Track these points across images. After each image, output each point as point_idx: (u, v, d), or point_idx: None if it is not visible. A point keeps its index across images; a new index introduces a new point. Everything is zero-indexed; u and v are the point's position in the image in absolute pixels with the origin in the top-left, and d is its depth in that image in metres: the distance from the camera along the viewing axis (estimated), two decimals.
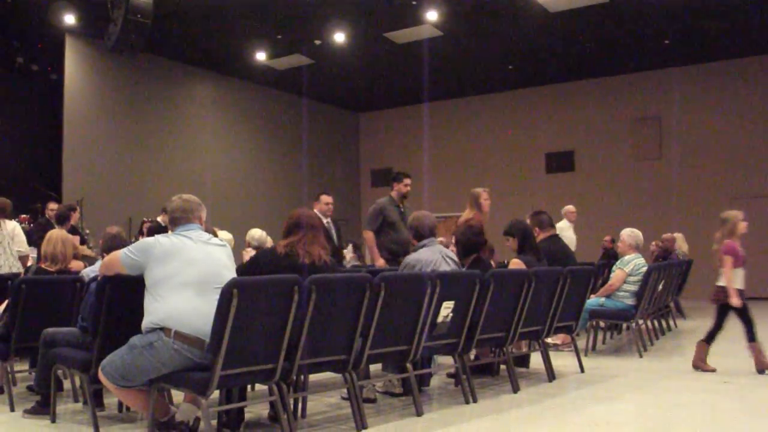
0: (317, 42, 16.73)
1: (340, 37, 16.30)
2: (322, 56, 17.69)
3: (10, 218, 8.64)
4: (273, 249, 5.09)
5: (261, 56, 17.71)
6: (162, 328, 4.26)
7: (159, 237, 4.59)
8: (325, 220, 9.60)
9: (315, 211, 9.22)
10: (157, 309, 4.31)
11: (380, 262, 8.74)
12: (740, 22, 15.54)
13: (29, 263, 9.17)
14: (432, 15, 14.97)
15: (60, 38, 15.62)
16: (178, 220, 4.76)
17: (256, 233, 9.12)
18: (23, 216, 13.45)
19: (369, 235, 8.99)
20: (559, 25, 15.58)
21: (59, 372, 5.33)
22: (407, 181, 9.22)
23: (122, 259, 4.57)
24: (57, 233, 6.52)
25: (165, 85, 18.07)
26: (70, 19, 14.84)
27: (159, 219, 12.21)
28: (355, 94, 22.07)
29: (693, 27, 15.84)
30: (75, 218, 11.15)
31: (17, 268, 8.36)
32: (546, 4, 14.33)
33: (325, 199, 9.98)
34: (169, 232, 4.81)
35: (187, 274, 4.38)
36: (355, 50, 17.20)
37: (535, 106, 21.16)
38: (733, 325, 6.85)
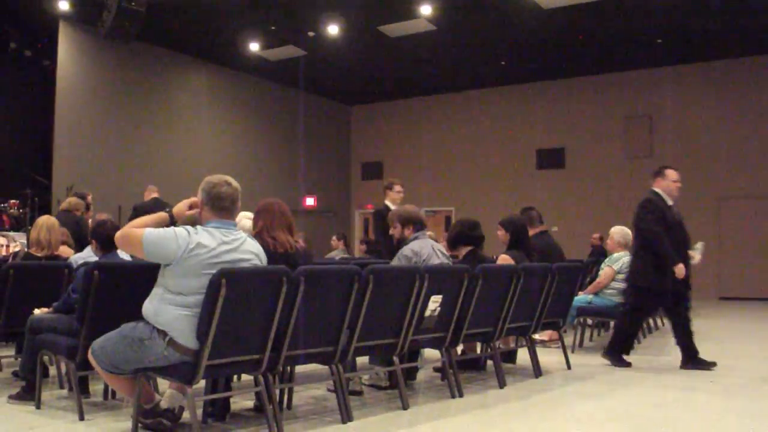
0: (311, 34, 16.70)
1: (333, 30, 16.27)
2: (316, 48, 17.67)
3: None
4: None
5: (254, 47, 17.67)
6: (159, 330, 4.17)
7: (193, 243, 4.16)
8: (669, 202, 7.56)
9: (655, 189, 7.57)
10: (162, 312, 4.14)
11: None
12: (733, 23, 15.57)
13: (17, 248, 9.14)
14: (426, 9, 14.96)
15: (54, 24, 15.55)
16: (221, 211, 4.40)
17: (247, 224, 9.04)
18: (13, 201, 13.44)
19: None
20: (552, 22, 15.59)
21: (45, 358, 5.32)
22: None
23: (144, 241, 4.16)
24: (44, 220, 6.50)
25: (158, 74, 18.02)
26: (64, 5, 14.77)
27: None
28: (347, 86, 22.04)
29: (685, 26, 15.88)
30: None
31: None
32: (539, 0, 14.34)
33: (672, 175, 7.60)
34: (203, 213, 4.43)
35: None
36: (349, 43, 17.17)
37: (526, 102, 21.18)
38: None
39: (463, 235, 6.90)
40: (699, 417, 5.34)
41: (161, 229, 4.22)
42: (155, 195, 11.03)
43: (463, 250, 6.86)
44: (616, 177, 19.56)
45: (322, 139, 23.00)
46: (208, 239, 4.23)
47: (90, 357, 4.41)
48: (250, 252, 4.45)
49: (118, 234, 4.35)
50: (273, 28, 16.43)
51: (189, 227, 4.25)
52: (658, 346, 9.14)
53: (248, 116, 20.60)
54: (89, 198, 11.42)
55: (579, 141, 20.33)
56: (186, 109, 18.69)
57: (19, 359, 5.84)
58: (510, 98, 21.47)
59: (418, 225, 6.39)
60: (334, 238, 14.22)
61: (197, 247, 4.15)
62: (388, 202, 9.25)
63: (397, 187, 9.38)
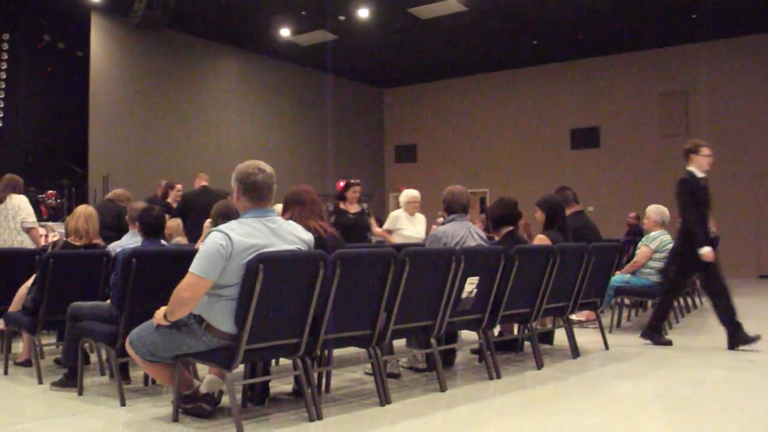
0: (341, 18, 16.68)
1: (364, 13, 16.24)
2: (346, 32, 17.65)
3: (21, 193, 8.63)
4: None
5: (285, 32, 17.69)
6: (195, 315, 4.20)
7: (234, 237, 4.08)
8: None
9: None
10: (201, 302, 4.12)
11: None
12: None
13: (56, 238, 9.24)
14: None
15: (86, 16, 15.70)
16: (259, 200, 4.31)
17: (278, 208, 9.05)
18: (50, 192, 13.59)
19: None
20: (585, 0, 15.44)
21: (86, 345, 5.38)
22: None
23: (202, 275, 4.05)
24: (82, 209, 6.55)
25: (190, 62, 18.11)
26: None
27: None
28: (379, 69, 21.99)
29: (720, 1, 15.63)
30: (172, 196, 11.32)
31: (19, 242, 8.38)
32: None
33: None
34: (239, 203, 4.38)
35: None
36: (379, 26, 17.12)
37: (560, 81, 20.99)
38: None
39: (508, 216, 6.87)
40: (738, 396, 5.28)
41: (203, 254, 4.06)
42: (204, 183, 11.05)
43: (503, 231, 6.83)
44: (651, 155, 19.35)
45: (355, 122, 23.01)
46: (251, 236, 4.16)
47: (128, 347, 4.45)
48: (296, 237, 4.43)
49: (175, 300, 4.11)
50: (303, 13, 16.42)
51: (226, 230, 4.12)
52: (696, 326, 9.05)
53: (280, 102, 20.64)
54: (177, 187, 11.49)
55: (614, 120, 20.12)
56: (218, 96, 18.77)
57: (61, 347, 5.92)
58: (543, 78, 21.30)
59: (451, 208, 6.35)
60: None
61: (238, 251, 4.07)
62: (692, 169, 7.74)
63: (705, 150, 7.83)
